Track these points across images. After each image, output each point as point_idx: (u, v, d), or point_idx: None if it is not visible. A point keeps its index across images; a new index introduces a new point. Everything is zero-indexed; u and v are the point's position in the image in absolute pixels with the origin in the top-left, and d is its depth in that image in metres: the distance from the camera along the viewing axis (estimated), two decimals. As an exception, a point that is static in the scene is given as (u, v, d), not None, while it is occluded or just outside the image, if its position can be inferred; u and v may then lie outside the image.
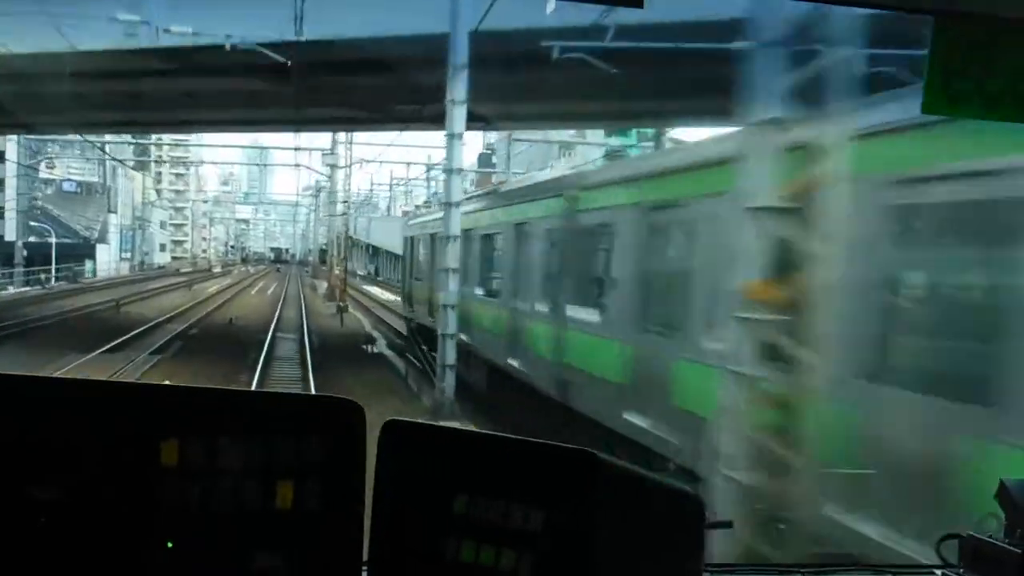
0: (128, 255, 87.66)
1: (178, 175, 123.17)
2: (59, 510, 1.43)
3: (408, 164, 72.21)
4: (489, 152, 70.30)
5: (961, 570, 1.89)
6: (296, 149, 69.29)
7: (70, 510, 1.44)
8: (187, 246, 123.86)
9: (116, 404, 1.49)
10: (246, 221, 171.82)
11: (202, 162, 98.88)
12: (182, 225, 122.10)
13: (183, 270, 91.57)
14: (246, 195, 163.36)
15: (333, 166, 51.17)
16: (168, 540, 1.45)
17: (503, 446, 1.47)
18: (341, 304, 37.63)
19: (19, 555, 1.42)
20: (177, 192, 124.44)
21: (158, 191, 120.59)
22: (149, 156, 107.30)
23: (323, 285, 60.75)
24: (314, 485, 1.46)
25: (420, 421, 1.55)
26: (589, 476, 1.37)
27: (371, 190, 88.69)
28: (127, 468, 1.45)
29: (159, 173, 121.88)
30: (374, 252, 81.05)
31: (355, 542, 1.48)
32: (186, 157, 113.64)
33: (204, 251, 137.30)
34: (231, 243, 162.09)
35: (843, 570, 2.15)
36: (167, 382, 1.66)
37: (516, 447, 1.45)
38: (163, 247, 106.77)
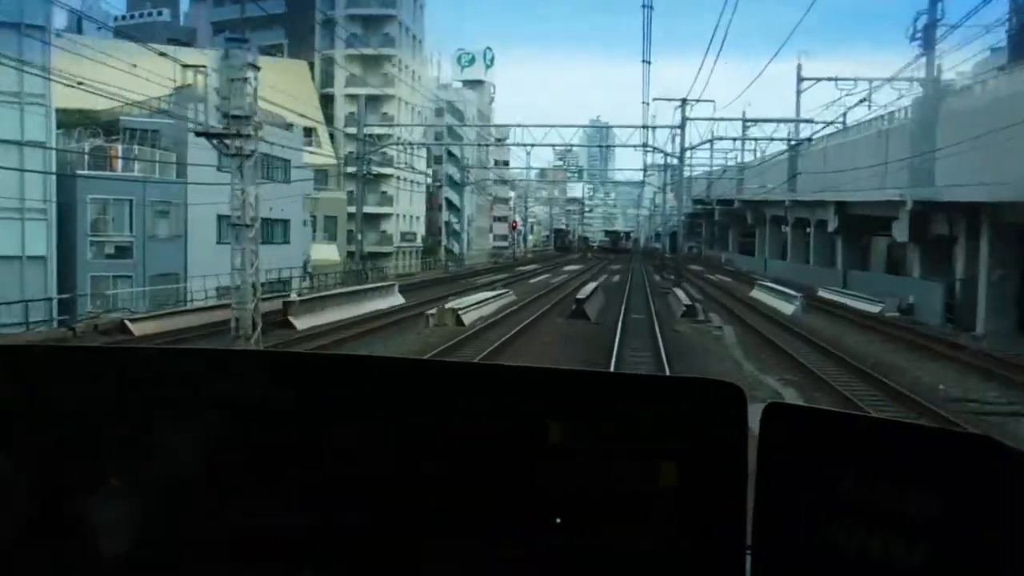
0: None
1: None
2: (453, 486, 1.53)
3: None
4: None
5: None
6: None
7: (459, 487, 1.53)
8: (393, 227, 75.08)
9: (504, 385, 1.59)
10: (579, 201, 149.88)
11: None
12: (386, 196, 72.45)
13: (299, 295, 43.24)
14: (581, 171, 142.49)
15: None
16: (556, 517, 1.51)
17: (892, 430, 1.45)
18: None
19: (416, 526, 1.53)
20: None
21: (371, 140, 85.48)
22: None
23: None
24: (697, 468, 1.47)
25: (802, 404, 1.45)
26: (990, 464, 1.31)
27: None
28: (515, 448, 1.53)
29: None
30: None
31: (739, 527, 1.47)
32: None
33: (514, 240, 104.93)
34: (553, 226, 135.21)
35: None
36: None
37: (906, 431, 1.43)
38: (343, 237, 61.68)
